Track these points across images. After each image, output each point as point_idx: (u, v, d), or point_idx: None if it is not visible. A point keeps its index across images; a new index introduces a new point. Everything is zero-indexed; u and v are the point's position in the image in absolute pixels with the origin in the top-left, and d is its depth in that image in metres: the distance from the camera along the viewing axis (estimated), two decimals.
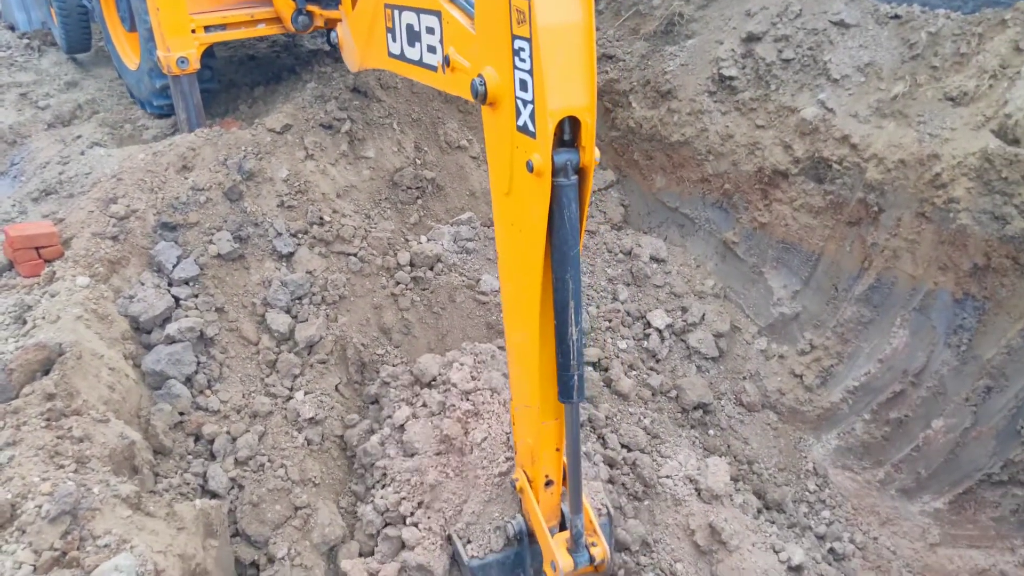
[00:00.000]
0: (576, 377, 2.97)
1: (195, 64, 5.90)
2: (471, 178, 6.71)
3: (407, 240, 6.09)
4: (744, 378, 5.99)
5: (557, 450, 3.49)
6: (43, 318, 4.35)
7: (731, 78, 6.34)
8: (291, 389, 5.07)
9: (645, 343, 6.01)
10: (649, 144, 6.91)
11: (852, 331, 5.57)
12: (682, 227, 6.84)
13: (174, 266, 5.14)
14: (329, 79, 6.63)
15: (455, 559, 4.07)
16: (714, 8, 6.95)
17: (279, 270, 5.49)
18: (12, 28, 8.59)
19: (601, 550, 3.52)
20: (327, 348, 5.27)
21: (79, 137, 6.29)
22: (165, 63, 5.84)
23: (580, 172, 2.72)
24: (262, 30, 6.33)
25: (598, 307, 6.13)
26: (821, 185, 5.71)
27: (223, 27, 6.08)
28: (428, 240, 6.15)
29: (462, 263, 6.06)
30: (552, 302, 2.95)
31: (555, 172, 2.66)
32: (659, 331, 6.01)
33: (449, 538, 4.05)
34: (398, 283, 5.78)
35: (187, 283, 5.12)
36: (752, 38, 6.30)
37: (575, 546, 3.52)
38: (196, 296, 5.10)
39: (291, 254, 5.58)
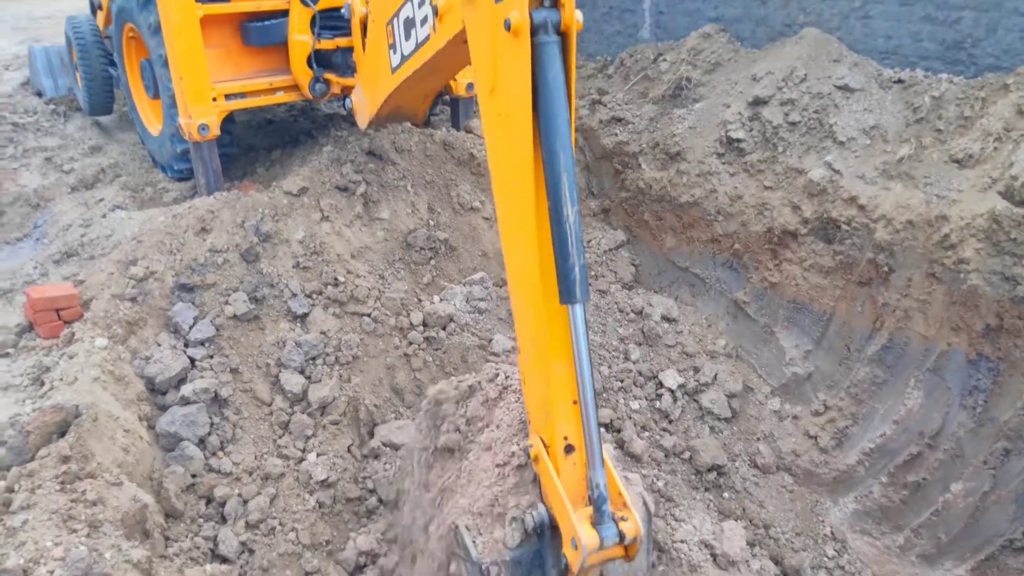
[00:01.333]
0: (577, 270, 2.68)
1: (215, 131, 6.07)
2: (483, 239, 6.80)
3: (420, 300, 6.15)
4: (758, 439, 5.94)
5: (575, 403, 2.92)
6: (60, 379, 4.41)
7: (739, 140, 6.45)
8: (303, 451, 5.07)
9: (657, 403, 5.98)
10: (659, 205, 7.00)
11: (866, 392, 5.53)
12: (693, 287, 6.87)
13: (191, 327, 5.21)
14: (345, 143, 6.80)
15: (459, 555, 3.37)
16: (720, 73, 7.12)
17: (294, 330, 5.55)
18: (39, 94, 8.87)
19: (632, 525, 2.79)
20: (340, 409, 5.29)
21: (101, 200, 6.45)
22: (187, 130, 6.02)
23: (563, 36, 2.64)
24: (280, 97, 6.53)
25: (610, 367, 6.13)
26: (830, 245, 5.75)
27: (243, 95, 6.29)
28: (441, 300, 6.21)
29: (474, 323, 6.10)
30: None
31: (535, 32, 2.58)
32: (671, 391, 5.99)
33: (456, 530, 3.40)
34: (411, 343, 5.82)
35: (203, 344, 5.18)
36: (758, 102, 6.43)
37: (598, 516, 2.79)
38: (211, 357, 5.15)
39: (306, 315, 5.64)
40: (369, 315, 5.81)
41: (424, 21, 3.93)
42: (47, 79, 8.82)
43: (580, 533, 2.74)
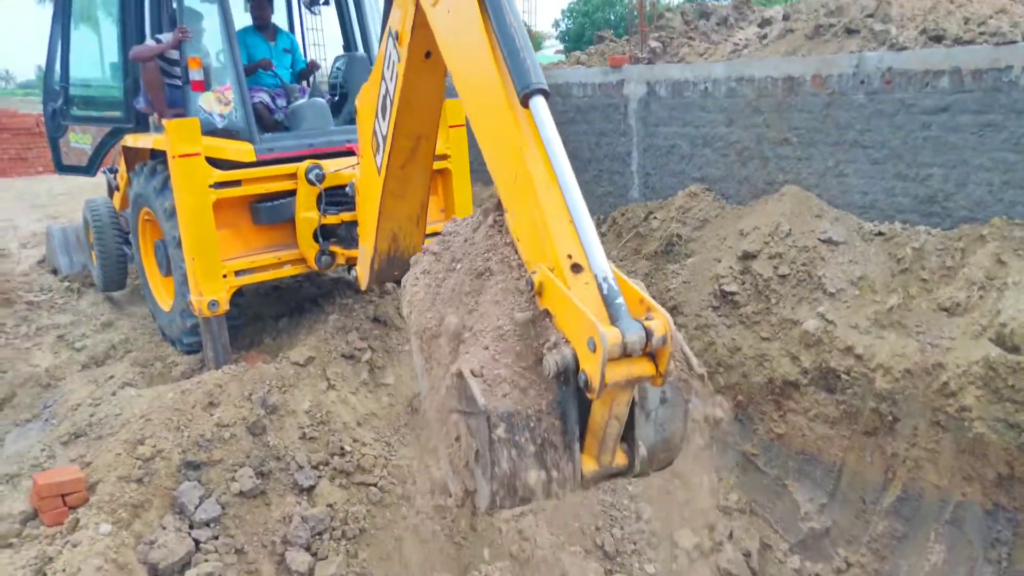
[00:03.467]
0: (529, 59, 2.72)
1: (225, 306, 6.27)
2: None
3: (427, 466, 6.11)
4: None
5: (571, 223, 2.58)
6: (63, 571, 4.33)
7: (732, 293, 6.65)
8: None
9: (673, 565, 5.81)
10: None
11: (887, 547, 5.40)
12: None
13: (196, 507, 5.15)
14: (350, 310, 6.98)
15: (464, 410, 2.65)
16: (709, 229, 7.44)
17: (300, 504, 5.48)
18: (55, 272, 9.19)
19: (661, 321, 2.31)
20: None
21: (111, 377, 6.55)
22: (197, 306, 6.21)
23: None
24: (287, 270, 6.78)
25: (622, 528, 6.01)
26: (832, 395, 5.80)
27: (252, 270, 6.53)
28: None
29: None
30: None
31: None
32: (687, 552, 5.83)
33: (459, 376, 2.66)
34: (418, 512, 5.73)
35: (208, 524, 5.10)
36: (748, 256, 6.69)
37: (614, 313, 2.35)
38: (216, 538, 5.06)
39: (312, 487, 5.59)
40: (376, 485, 5.76)
41: (393, 77, 4.23)
42: (63, 257, 9.17)
43: (598, 328, 2.25)
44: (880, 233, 6.22)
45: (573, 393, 2.50)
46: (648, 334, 2.26)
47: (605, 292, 2.39)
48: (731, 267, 6.77)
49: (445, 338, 2.91)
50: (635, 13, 10.57)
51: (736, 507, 6.27)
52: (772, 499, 6.17)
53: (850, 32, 6.87)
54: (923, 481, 5.22)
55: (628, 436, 2.57)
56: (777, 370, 6.13)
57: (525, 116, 2.80)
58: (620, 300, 2.36)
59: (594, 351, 2.25)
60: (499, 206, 3.08)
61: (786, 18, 8.11)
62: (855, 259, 6.17)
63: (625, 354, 2.26)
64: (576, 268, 2.52)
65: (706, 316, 6.74)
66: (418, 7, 3.63)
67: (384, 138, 4.81)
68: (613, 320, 2.32)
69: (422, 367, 3.16)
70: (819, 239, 6.41)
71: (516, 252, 2.85)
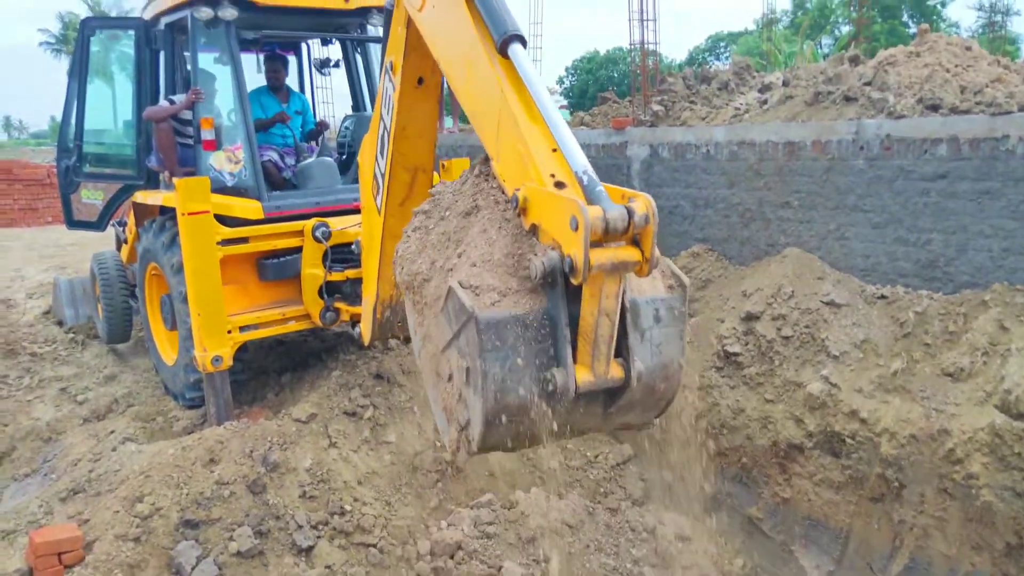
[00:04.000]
0: (504, 12, 2.89)
1: (229, 362, 6.28)
2: (490, 458, 6.79)
3: (427, 527, 6.04)
4: None
5: (554, 151, 2.64)
6: None
7: (736, 354, 6.65)
8: None
9: None
10: (663, 419, 7.06)
11: None
12: (705, 502, 6.77)
13: (193, 568, 5.08)
14: (353, 367, 6.99)
15: (456, 330, 2.64)
16: (712, 289, 7.48)
17: (298, 566, 5.40)
18: (60, 323, 9.22)
19: (642, 202, 2.35)
20: None
21: (112, 432, 6.52)
22: (201, 361, 6.23)
23: None
24: (292, 326, 6.82)
25: None
26: (838, 459, 5.76)
27: (256, 326, 6.57)
28: (448, 526, 6.09)
29: (483, 549, 5.95)
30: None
31: None
32: None
33: (449, 292, 2.65)
34: (418, 575, 5.64)
35: None
36: (751, 317, 6.70)
37: (595, 196, 2.39)
38: None
39: (311, 548, 5.51)
40: (375, 545, 5.68)
41: (390, 109, 4.34)
42: (69, 309, 9.21)
43: (579, 205, 2.27)
44: (883, 296, 6.24)
45: (562, 295, 2.53)
46: (630, 213, 2.30)
47: (585, 183, 2.44)
48: (734, 328, 6.78)
49: (437, 279, 2.92)
50: (639, 74, 10.82)
51: (742, 573, 6.16)
52: (778, 565, 6.07)
53: (848, 99, 7.01)
54: (931, 549, 5.14)
55: (623, 349, 2.60)
56: (782, 433, 6.10)
57: (504, 66, 2.95)
58: (600, 188, 2.42)
59: (576, 230, 2.27)
60: (486, 159, 3.16)
61: (786, 84, 8.28)
62: (858, 322, 6.18)
63: (607, 232, 2.29)
64: (560, 185, 2.57)
65: (709, 377, 6.73)
66: (409, 25, 3.80)
67: (383, 175, 4.91)
68: (593, 203, 2.36)
69: (415, 322, 3.16)
70: (822, 301, 6.43)
71: (503, 192, 2.92)
